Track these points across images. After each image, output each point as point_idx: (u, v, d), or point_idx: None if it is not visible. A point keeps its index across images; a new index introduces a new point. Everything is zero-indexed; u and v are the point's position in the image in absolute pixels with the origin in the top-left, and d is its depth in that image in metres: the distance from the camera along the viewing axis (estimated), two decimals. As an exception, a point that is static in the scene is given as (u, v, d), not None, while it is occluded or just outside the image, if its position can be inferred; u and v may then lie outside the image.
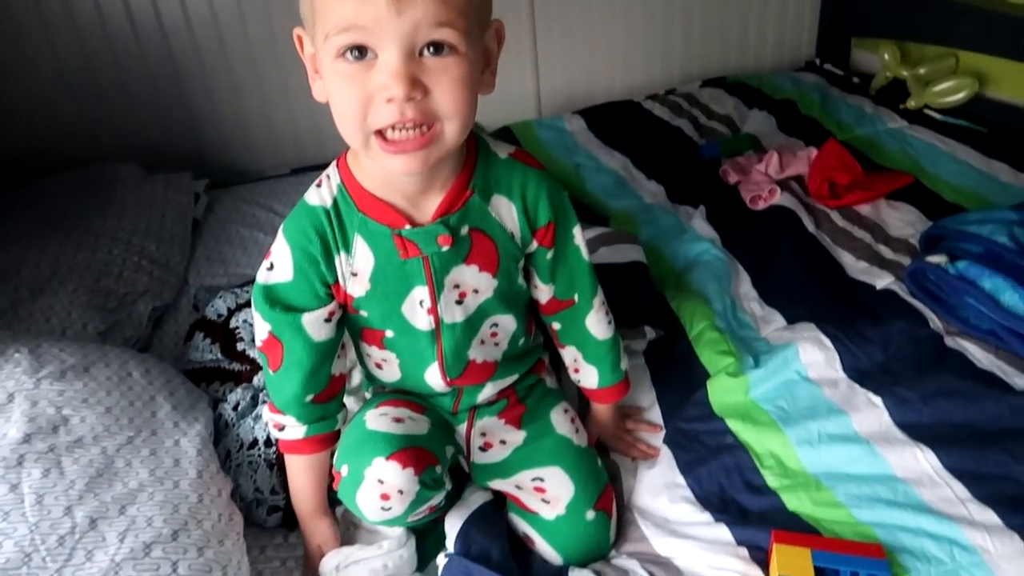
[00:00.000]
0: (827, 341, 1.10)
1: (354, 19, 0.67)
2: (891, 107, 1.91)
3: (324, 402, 0.89)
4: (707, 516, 0.91)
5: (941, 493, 0.89)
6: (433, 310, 0.85)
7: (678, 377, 1.12)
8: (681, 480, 0.97)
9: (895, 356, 1.09)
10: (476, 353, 0.91)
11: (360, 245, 0.82)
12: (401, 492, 0.81)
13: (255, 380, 1.11)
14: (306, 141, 1.90)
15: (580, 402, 1.06)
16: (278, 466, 0.98)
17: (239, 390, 1.08)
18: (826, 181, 1.51)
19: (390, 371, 0.93)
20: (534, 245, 0.89)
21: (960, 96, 1.84)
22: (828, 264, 1.34)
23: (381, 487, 0.81)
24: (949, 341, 1.12)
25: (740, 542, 0.87)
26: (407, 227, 0.81)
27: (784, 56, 2.30)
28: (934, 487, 0.90)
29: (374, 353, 0.92)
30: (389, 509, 0.83)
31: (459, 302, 0.86)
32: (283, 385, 0.87)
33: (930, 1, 1.91)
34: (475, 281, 0.86)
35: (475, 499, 0.96)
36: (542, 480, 0.92)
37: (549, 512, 0.90)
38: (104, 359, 1.00)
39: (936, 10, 1.90)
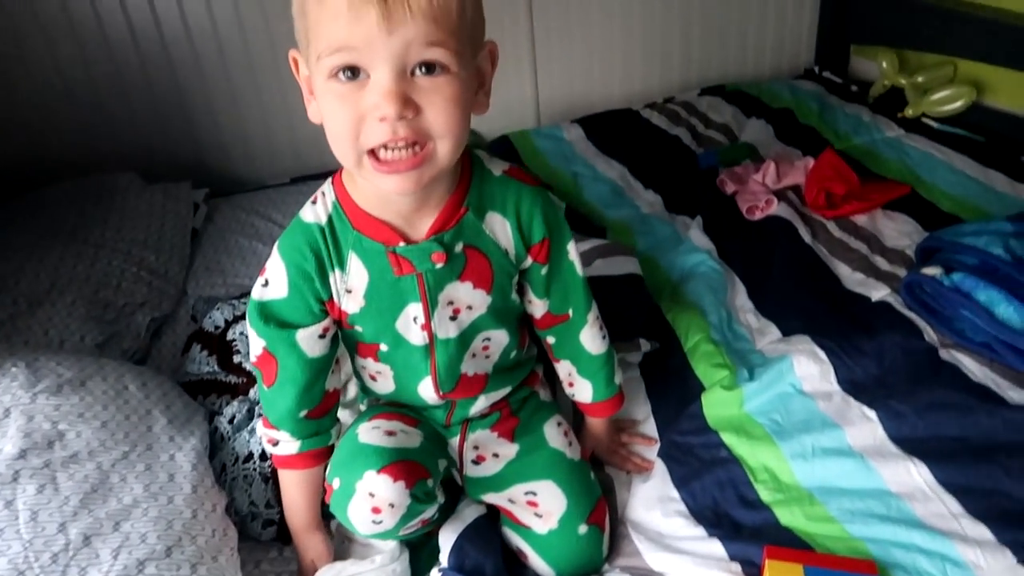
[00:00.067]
0: (822, 354, 1.10)
1: (346, 39, 0.67)
2: (889, 115, 1.91)
3: (318, 417, 0.90)
4: (700, 531, 0.91)
5: (934, 508, 0.89)
6: (427, 326, 0.86)
7: (673, 390, 1.12)
8: (675, 494, 0.97)
9: (890, 369, 1.09)
10: (467, 366, 0.92)
11: (354, 262, 0.82)
12: (392, 505, 0.82)
13: (251, 393, 1.11)
14: (305, 150, 1.91)
15: (575, 415, 1.06)
16: (273, 480, 0.98)
17: (235, 403, 1.09)
18: (823, 191, 1.51)
19: (384, 383, 0.94)
20: (528, 261, 0.89)
21: (958, 105, 1.84)
22: (824, 275, 1.35)
23: (372, 500, 0.81)
24: (944, 354, 1.12)
25: (733, 557, 0.87)
26: (401, 244, 0.81)
27: (783, 63, 2.31)
28: (927, 502, 0.90)
29: (369, 365, 0.93)
30: (380, 522, 0.83)
31: (453, 318, 0.87)
32: (277, 401, 0.87)
33: (929, 9, 1.91)
34: (469, 298, 0.86)
35: (469, 513, 0.96)
36: (535, 494, 0.92)
37: (542, 526, 0.91)
38: (101, 372, 1.00)
39: (934, 18, 1.90)
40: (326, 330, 0.86)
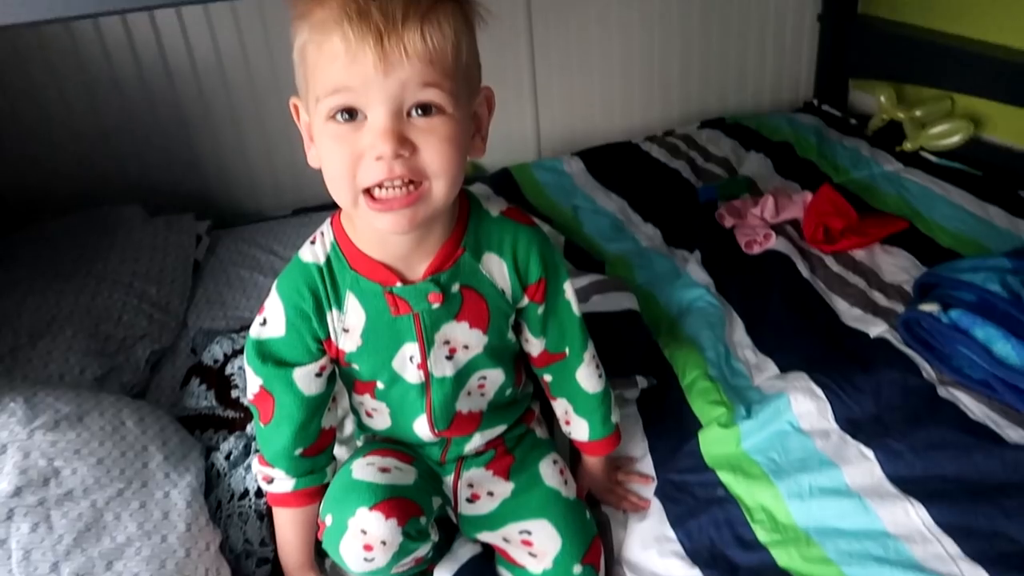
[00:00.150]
0: (819, 391, 1.10)
1: (344, 81, 0.69)
2: (887, 149, 1.92)
3: (313, 455, 0.90)
4: (696, 572, 0.91)
5: (932, 550, 0.88)
6: (423, 365, 0.86)
7: (670, 427, 1.12)
8: (671, 534, 0.96)
9: (887, 406, 1.09)
10: (463, 404, 0.92)
11: (352, 302, 0.83)
12: (384, 543, 0.81)
13: (248, 428, 1.11)
14: (308, 183, 1.91)
15: (571, 453, 1.06)
16: (268, 517, 0.98)
17: (232, 438, 1.09)
18: (821, 226, 1.52)
19: (381, 420, 0.94)
20: (525, 301, 0.90)
21: (956, 139, 1.85)
22: (822, 311, 1.35)
23: (364, 537, 0.81)
24: (942, 391, 1.11)
25: (729, 599, 0.86)
26: (398, 284, 0.82)
27: (782, 96, 2.32)
28: (925, 543, 0.89)
29: (366, 402, 0.93)
30: (372, 560, 0.83)
31: (449, 357, 0.87)
32: (273, 438, 0.88)
33: (927, 44, 1.93)
34: (465, 337, 0.87)
35: (464, 552, 0.96)
36: (529, 533, 0.92)
37: (536, 566, 0.90)
38: (98, 407, 1.00)
39: (932, 53, 1.92)
40: (323, 369, 0.87)
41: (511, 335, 0.93)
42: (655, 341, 1.28)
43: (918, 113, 1.94)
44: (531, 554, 0.91)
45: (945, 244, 1.50)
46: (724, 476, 1.02)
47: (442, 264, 0.82)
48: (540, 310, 0.91)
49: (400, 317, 0.83)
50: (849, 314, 1.33)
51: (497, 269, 0.86)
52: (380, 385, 0.89)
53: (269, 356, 0.85)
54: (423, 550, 0.88)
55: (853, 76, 2.25)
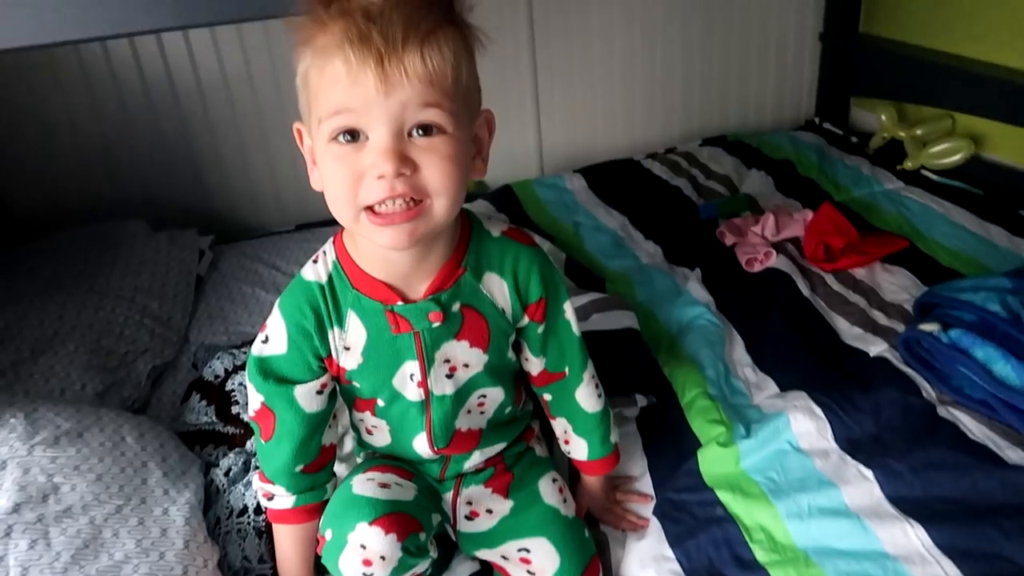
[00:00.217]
0: (818, 410, 1.10)
1: (346, 102, 0.70)
2: (888, 168, 1.93)
3: (314, 472, 0.90)
4: (695, 592, 0.91)
5: (931, 572, 0.88)
6: (423, 383, 0.87)
7: (670, 446, 1.12)
8: (670, 553, 0.96)
9: (887, 426, 1.09)
10: (462, 422, 0.92)
11: (353, 320, 0.84)
12: (383, 558, 0.81)
13: (248, 444, 1.11)
14: (311, 198, 1.91)
15: (570, 471, 1.06)
16: (267, 534, 0.98)
17: (232, 455, 1.09)
18: (821, 244, 1.52)
19: (381, 437, 0.94)
20: (525, 320, 0.90)
21: (957, 158, 1.86)
22: (822, 330, 1.35)
23: (363, 552, 0.81)
24: (942, 411, 1.11)
25: (727, 620, 0.86)
26: (399, 303, 0.82)
27: (784, 114, 2.34)
28: (924, 565, 0.89)
29: (366, 419, 0.93)
30: (371, 575, 0.83)
31: (449, 376, 0.88)
32: (274, 455, 0.88)
33: (928, 63, 1.94)
34: (465, 356, 0.87)
35: (463, 569, 0.96)
36: (528, 551, 0.92)
37: (534, 584, 0.90)
38: (99, 423, 1.01)
39: (933, 73, 1.93)
40: (324, 386, 0.87)
41: (511, 354, 0.93)
42: (655, 359, 1.28)
43: (919, 132, 1.95)
44: (529, 572, 0.91)
45: (945, 263, 1.51)
46: (723, 495, 1.02)
47: (443, 283, 0.83)
48: (540, 330, 0.91)
49: (401, 335, 0.84)
50: (849, 333, 1.33)
51: (498, 289, 0.87)
52: (380, 403, 0.90)
53: (271, 373, 0.85)
54: (422, 566, 0.88)
55: (854, 94, 2.26)
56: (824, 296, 1.44)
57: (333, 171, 0.73)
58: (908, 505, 0.96)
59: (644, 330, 1.31)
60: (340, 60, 0.69)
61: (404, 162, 0.70)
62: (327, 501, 0.91)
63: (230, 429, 1.15)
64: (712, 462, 1.06)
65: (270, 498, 0.90)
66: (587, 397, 0.97)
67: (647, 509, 1.03)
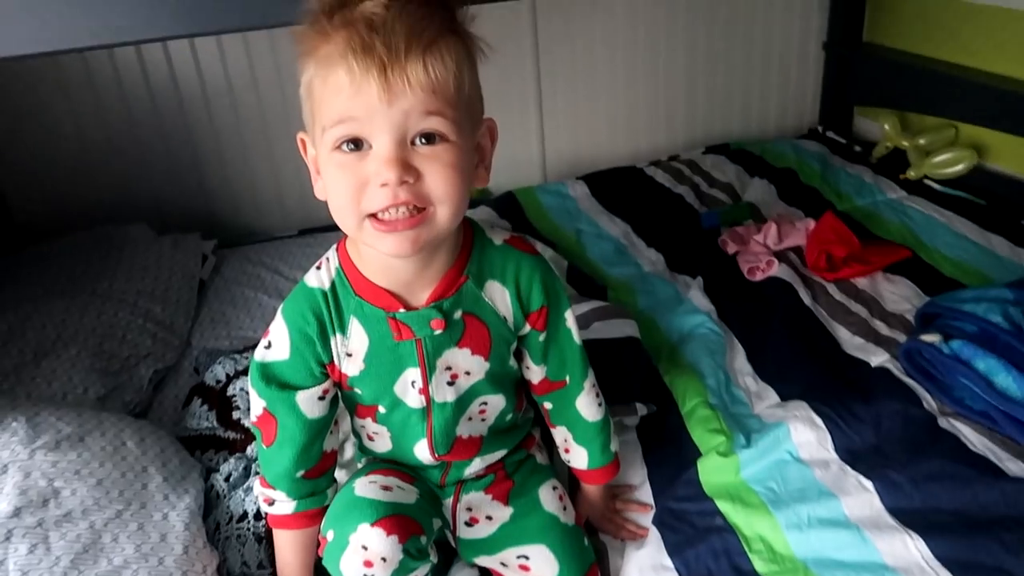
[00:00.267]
0: (819, 420, 1.10)
1: (349, 111, 0.70)
2: (891, 177, 1.93)
3: (315, 478, 0.90)
4: (693, 602, 0.90)
5: (931, 584, 0.88)
6: (425, 390, 0.87)
7: (670, 455, 1.12)
8: (668, 562, 0.96)
9: (887, 437, 1.09)
10: (463, 429, 0.92)
11: (355, 327, 0.84)
12: (384, 560, 0.81)
13: (248, 450, 1.12)
14: (314, 203, 1.92)
15: (570, 480, 1.06)
16: (267, 540, 0.98)
17: (232, 460, 1.09)
18: (823, 253, 1.52)
19: (382, 443, 0.95)
20: (527, 328, 0.90)
21: (959, 168, 1.86)
22: (824, 339, 1.35)
23: (364, 553, 0.81)
24: (943, 422, 1.11)
25: (726, 630, 0.86)
26: (401, 310, 0.83)
27: (787, 122, 2.34)
28: (924, 577, 0.89)
29: (368, 426, 0.94)
30: None
31: (451, 383, 0.88)
32: (275, 460, 0.88)
33: (931, 73, 1.95)
34: (467, 364, 0.88)
35: (462, 576, 0.96)
36: (527, 558, 0.92)
37: (533, 592, 0.90)
38: (100, 428, 1.01)
39: (937, 82, 1.93)
40: (326, 392, 0.87)
41: (512, 362, 0.93)
42: (655, 367, 1.28)
43: (922, 141, 1.95)
44: (528, 580, 0.91)
45: (948, 273, 1.51)
46: (722, 505, 1.02)
47: (445, 291, 0.83)
48: (541, 338, 0.92)
49: (403, 342, 0.84)
50: (851, 343, 1.33)
51: (499, 297, 0.87)
52: (382, 409, 0.90)
53: (273, 379, 0.85)
54: (422, 570, 0.88)
55: (858, 103, 2.26)
56: (826, 305, 1.44)
57: (337, 179, 0.74)
58: (908, 517, 0.96)
59: (645, 338, 1.31)
60: (343, 70, 0.69)
61: (407, 170, 0.71)
62: (327, 507, 0.91)
63: (231, 434, 1.16)
64: (712, 472, 1.06)
65: (271, 503, 0.90)
66: (587, 406, 0.97)
67: (646, 518, 1.03)
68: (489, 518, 0.96)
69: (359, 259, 0.84)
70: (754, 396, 1.23)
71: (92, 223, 1.76)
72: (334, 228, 0.84)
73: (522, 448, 1.02)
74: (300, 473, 0.88)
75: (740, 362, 1.30)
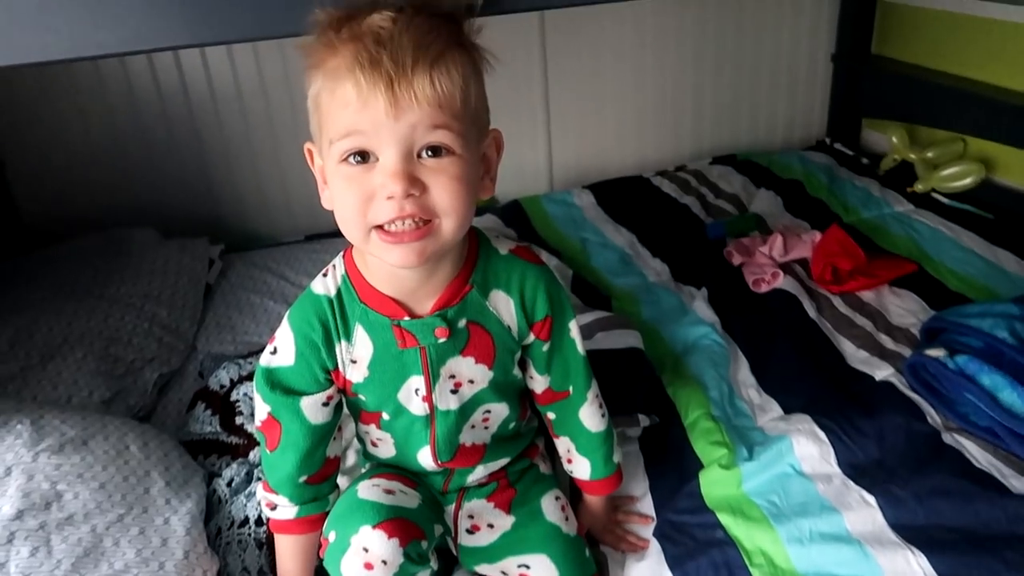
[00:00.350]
0: (822, 434, 1.10)
1: (356, 124, 0.71)
2: (898, 190, 1.93)
3: (317, 483, 0.91)
4: (693, 615, 0.90)
5: (933, 601, 0.87)
6: (428, 398, 0.87)
7: (671, 466, 1.11)
8: (669, 575, 0.96)
9: (891, 451, 1.08)
10: (466, 436, 0.93)
11: (360, 334, 0.84)
12: (385, 562, 0.82)
13: (251, 455, 1.12)
14: (320, 209, 1.93)
15: (572, 490, 1.06)
16: (268, 546, 0.98)
17: (235, 465, 1.09)
18: (829, 266, 1.52)
19: (386, 449, 0.95)
20: (531, 338, 0.91)
21: (967, 181, 1.86)
22: (828, 352, 1.34)
23: (365, 555, 0.81)
24: (947, 437, 1.11)
25: (725, 644, 0.85)
26: (406, 318, 0.83)
27: (795, 134, 2.34)
28: (926, 594, 0.88)
29: (371, 432, 0.94)
30: None
31: (454, 391, 0.88)
32: (278, 465, 0.89)
33: (940, 86, 1.95)
34: (471, 372, 0.88)
35: (462, 584, 0.96)
36: (528, 568, 0.92)
37: (533, 602, 0.90)
38: (104, 431, 1.02)
39: (945, 96, 1.93)
40: (330, 398, 0.88)
41: (516, 371, 0.94)
42: (658, 378, 1.28)
43: (930, 154, 1.95)
44: (528, 590, 0.91)
45: (954, 287, 1.50)
46: (724, 518, 1.01)
47: (450, 300, 0.84)
48: (545, 348, 0.92)
49: (407, 350, 0.84)
50: (855, 356, 1.33)
51: (504, 306, 0.87)
52: (385, 416, 0.90)
53: (278, 384, 0.86)
54: (422, 575, 0.88)
55: (866, 116, 2.26)
56: (831, 318, 1.44)
57: (343, 191, 0.74)
58: (910, 532, 0.96)
59: (649, 349, 1.31)
60: (351, 83, 0.70)
61: (413, 183, 0.71)
62: (329, 513, 0.91)
63: (234, 439, 1.16)
64: (714, 484, 1.06)
65: (273, 508, 0.90)
66: (591, 416, 0.97)
67: (647, 530, 1.03)
68: (491, 526, 0.96)
69: (365, 267, 0.84)
70: (757, 409, 1.22)
71: (100, 227, 1.77)
72: (341, 234, 0.85)
73: (525, 457, 1.02)
74: (303, 478, 0.89)
75: (744, 374, 1.30)
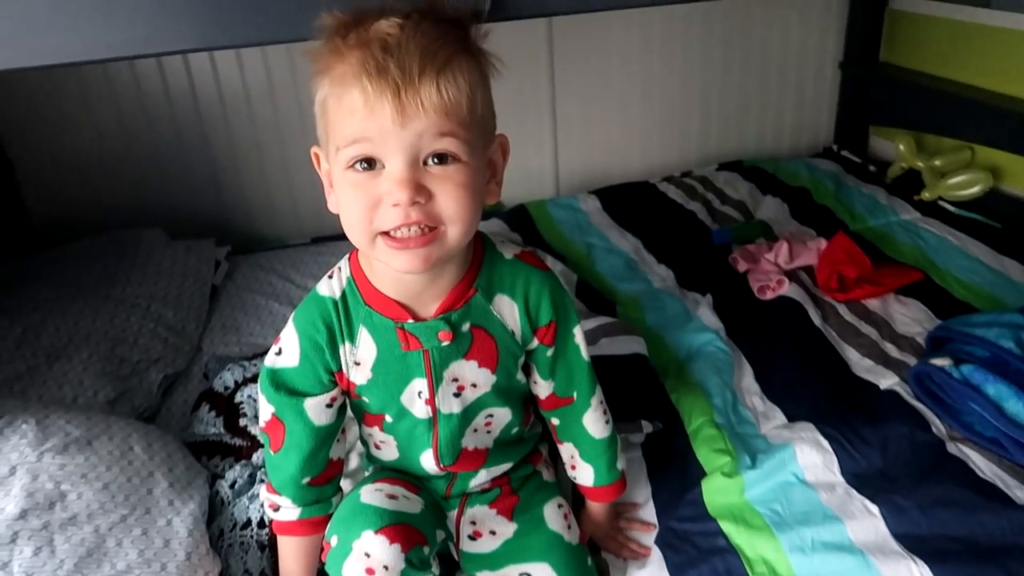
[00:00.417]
0: (825, 443, 1.09)
1: (363, 132, 0.71)
2: (906, 198, 1.92)
3: (320, 485, 0.91)
4: (694, 623, 0.90)
5: (935, 612, 0.87)
6: (431, 401, 0.88)
7: (674, 474, 1.11)
8: (670, 583, 0.96)
9: (895, 461, 1.08)
10: (468, 440, 0.93)
11: (364, 336, 0.85)
12: (386, 568, 0.82)
13: (254, 457, 1.12)
14: (327, 211, 1.94)
15: (574, 497, 1.06)
16: (270, 548, 0.98)
17: (238, 467, 1.10)
18: (835, 274, 1.52)
19: (389, 452, 0.95)
20: (535, 343, 0.91)
21: (975, 190, 1.85)
22: (833, 360, 1.34)
23: (367, 561, 0.81)
24: (951, 447, 1.10)
25: (726, 653, 0.85)
26: (409, 321, 0.83)
27: (802, 141, 2.34)
28: (928, 605, 0.88)
29: (375, 434, 0.94)
30: None
31: (457, 395, 0.88)
32: (282, 466, 0.89)
33: (948, 94, 1.94)
34: (473, 376, 0.88)
35: (462, 591, 0.96)
36: (530, 575, 0.92)
37: (534, 610, 0.90)
38: (108, 432, 1.02)
39: (953, 104, 1.92)
40: (334, 400, 0.88)
41: (520, 376, 0.94)
42: (662, 385, 1.28)
43: (937, 163, 1.94)
44: (530, 597, 0.91)
45: (960, 296, 1.50)
46: (726, 526, 1.01)
47: (454, 303, 0.84)
48: (549, 353, 0.92)
49: (410, 353, 0.85)
50: (860, 365, 1.33)
51: (508, 311, 0.88)
52: (388, 419, 0.91)
53: (282, 385, 0.86)
54: (423, 581, 0.89)
55: (873, 123, 2.26)
56: (836, 326, 1.43)
57: (349, 197, 0.74)
58: (914, 543, 0.95)
59: (653, 355, 1.31)
60: (358, 90, 0.70)
61: (419, 191, 0.71)
62: (332, 515, 0.92)
63: (237, 441, 1.16)
64: (716, 492, 1.06)
65: (276, 509, 0.91)
66: (594, 423, 0.97)
67: (649, 537, 1.03)
68: (493, 533, 0.96)
69: (370, 270, 0.84)
70: (761, 416, 1.22)
71: (108, 228, 1.78)
72: (346, 238, 0.85)
73: (528, 463, 1.02)
74: (306, 480, 0.89)
75: (748, 381, 1.30)
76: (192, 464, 1.08)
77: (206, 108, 1.85)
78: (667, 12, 2.05)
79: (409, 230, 0.73)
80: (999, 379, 1.12)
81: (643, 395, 1.20)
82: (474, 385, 0.89)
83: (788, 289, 1.51)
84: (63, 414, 1.02)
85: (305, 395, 0.86)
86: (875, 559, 0.93)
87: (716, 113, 2.22)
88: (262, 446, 1.12)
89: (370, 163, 0.72)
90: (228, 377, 1.29)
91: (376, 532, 0.82)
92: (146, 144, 1.86)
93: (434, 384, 0.86)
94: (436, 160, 0.72)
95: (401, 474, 0.95)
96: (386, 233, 0.74)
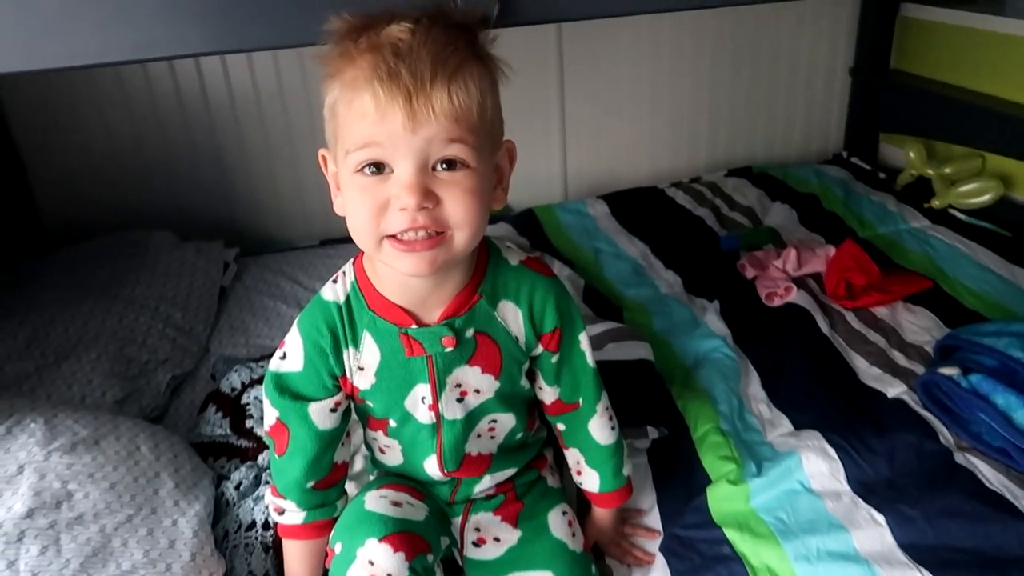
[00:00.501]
0: (832, 451, 1.09)
1: (372, 136, 0.71)
2: (915, 205, 1.92)
3: (325, 489, 0.91)
4: (698, 630, 0.90)
5: (940, 623, 0.87)
6: (434, 406, 0.88)
7: (680, 480, 1.11)
8: (674, 590, 0.96)
9: (901, 470, 1.07)
10: (472, 446, 0.93)
11: (368, 341, 0.85)
12: None
13: (260, 459, 1.13)
14: (335, 214, 1.95)
15: (579, 502, 1.06)
16: (274, 550, 0.99)
17: (243, 468, 1.10)
18: (843, 281, 1.51)
19: (393, 456, 0.95)
20: (539, 349, 0.91)
21: (985, 198, 1.84)
22: (840, 368, 1.34)
23: (371, 568, 0.81)
24: (959, 457, 1.10)
25: (730, 661, 0.85)
26: (413, 326, 0.83)
27: (812, 147, 2.33)
28: (934, 616, 0.87)
29: (379, 438, 0.94)
30: None
31: (460, 400, 0.88)
32: (286, 470, 0.89)
33: (958, 102, 1.93)
34: (477, 382, 0.88)
35: (466, 598, 0.95)
36: (533, 583, 0.92)
37: (538, 617, 0.90)
38: (115, 432, 1.03)
39: (964, 111, 1.92)
40: (338, 404, 0.88)
41: (524, 382, 0.94)
42: (668, 391, 1.27)
43: (948, 170, 1.93)
44: (533, 604, 0.91)
45: (969, 305, 1.49)
46: (731, 534, 1.01)
47: (458, 309, 0.84)
48: (554, 359, 0.92)
49: (414, 358, 0.85)
50: (867, 373, 1.32)
51: (512, 317, 0.88)
52: (392, 423, 0.91)
53: (286, 389, 0.86)
54: (426, 588, 0.89)
55: (883, 130, 2.25)
56: (843, 334, 1.43)
57: (357, 201, 0.74)
58: (920, 553, 0.95)
59: (659, 361, 1.31)
60: (368, 95, 0.70)
61: (427, 196, 0.72)
62: (337, 519, 0.92)
63: (243, 442, 1.17)
64: (721, 499, 1.05)
65: (281, 513, 0.91)
66: (600, 429, 0.97)
67: (653, 544, 1.03)
68: (497, 540, 0.96)
69: (374, 274, 0.85)
70: (767, 424, 1.22)
71: (118, 228, 1.79)
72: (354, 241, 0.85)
73: (533, 468, 1.02)
74: (310, 484, 0.89)
75: (754, 388, 1.29)
76: (198, 465, 1.09)
77: (217, 111, 1.86)
78: (677, 17, 2.05)
79: (416, 233, 0.73)
80: (1008, 389, 1.12)
81: (649, 401, 1.20)
82: (477, 391, 0.89)
83: (796, 296, 1.51)
84: (71, 414, 1.02)
85: (309, 399, 0.86)
86: (881, 569, 0.93)
87: (725, 119, 2.22)
88: (267, 448, 1.12)
89: (379, 167, 0.72)
90: (235, 378, 1.30)
91: (380, 540, 0.81)
92: (157, 146, 1.87)
93: (437, 389, 0.86)
94: (445, 166, 0.72)
95: (405, 480, 0.95)
96: (393, 236, 0.74)
